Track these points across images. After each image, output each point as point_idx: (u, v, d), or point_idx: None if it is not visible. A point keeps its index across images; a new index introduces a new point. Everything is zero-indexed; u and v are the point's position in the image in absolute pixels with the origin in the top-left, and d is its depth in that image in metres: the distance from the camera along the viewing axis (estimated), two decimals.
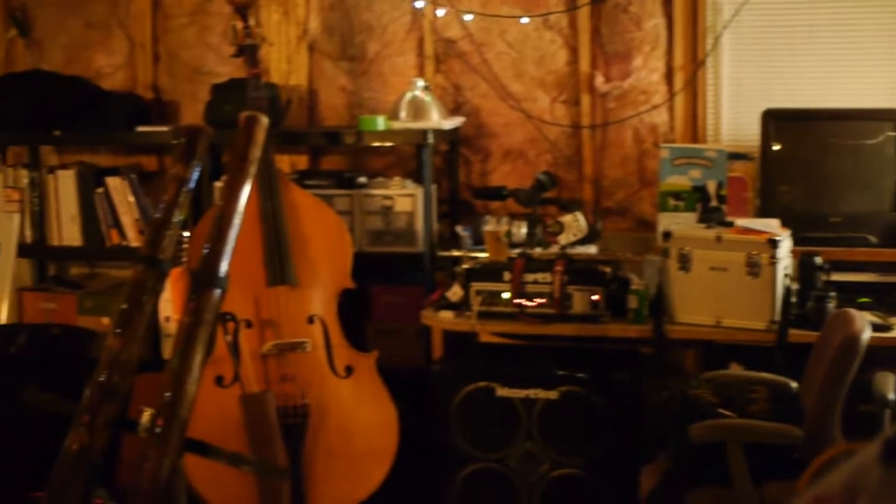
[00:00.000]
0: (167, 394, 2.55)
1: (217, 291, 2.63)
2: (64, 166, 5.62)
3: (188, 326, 2.58)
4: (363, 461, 4.33)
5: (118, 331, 2.63)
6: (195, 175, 2.79)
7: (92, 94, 5.57)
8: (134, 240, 5.34)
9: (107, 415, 2.57)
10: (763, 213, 4.71)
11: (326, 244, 4.43)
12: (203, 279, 2.64)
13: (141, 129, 5.36)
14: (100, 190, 5.40)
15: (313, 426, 4.28)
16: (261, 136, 2.81)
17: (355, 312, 4.86)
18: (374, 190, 4.97)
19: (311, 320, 4.36)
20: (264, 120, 2.83)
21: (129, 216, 5.35)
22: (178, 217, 2.75)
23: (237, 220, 2.71)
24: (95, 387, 2.60)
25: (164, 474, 2.47)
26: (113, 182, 5.38)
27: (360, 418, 4.36)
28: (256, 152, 2.78)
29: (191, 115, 5.66)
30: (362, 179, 5.04)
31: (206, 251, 2.68)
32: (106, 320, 5.37)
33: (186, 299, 2.63)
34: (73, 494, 2.51)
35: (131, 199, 5.34)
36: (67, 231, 5.49)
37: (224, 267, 2.66)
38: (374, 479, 4.35)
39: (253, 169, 2.78)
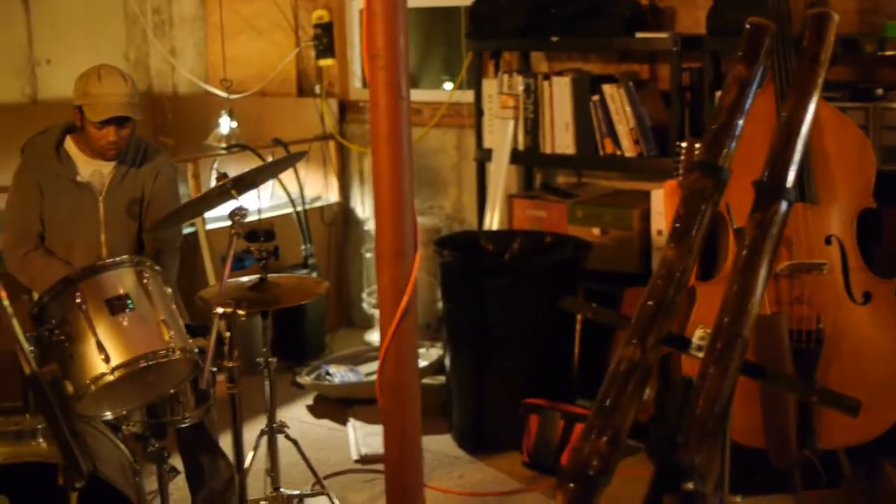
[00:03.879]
0: (726, 313, 2.36)
1: (784, 204, 2.42)
2: (558, 73, 5.55)
3: (753, 240, 2.38)
4: (879, 394, 4.00)
5: (673, 242, 2.47)
6: (758, 76, 2.56)
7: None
8: (628, 149, 5.20)
9: (660, 331, 2.42)
10: None
11: (848, 160, 4.10)
12: (768, 189, 2.43)
13: (640, 35, 5.18)
14: (595, 98, 5.28)
15: (826, 353, 3.99)
16: (832, 35, 2.56)
17: (864, 235, 4.51)
18: (893, 103, 4.57)
19: (828, 241, 4.06)
20: (835, 17, 2.57)
21: (624, 125, 5.20)
22: (739, 122, 2.54)
23: (806, 129, 2.47)
24: (648, 301, 2.46)
25: (723, 396, 2.29)
26: (609, 90, 5.25)
27: (879, 348, 4.03)
28: (828, 53, 2.53)
29: (689, 21, 5.42)
30: (879, 91, 4.64)
31: (771, 160, 2.46)
32: (596, 230, 5.29)
33: (751, 211, 2.43)
34: (622, 413, 2.38)
35: (627, 108, 5.18)
36: (560, 139, 5.43)
37: (792, 177, 2.43)
38: (890, 416, 4.02)
39: (823, 72, 2.53)
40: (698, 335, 2.42)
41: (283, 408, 5.49)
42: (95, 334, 3.20)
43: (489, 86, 5.71)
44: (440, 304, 5.51)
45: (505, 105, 5.52)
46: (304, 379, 5.78)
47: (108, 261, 3.37)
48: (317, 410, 5.58)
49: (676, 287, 2.43)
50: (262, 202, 6.35)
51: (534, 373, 4.88)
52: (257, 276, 3.91)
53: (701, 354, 2.40)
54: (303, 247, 6.38)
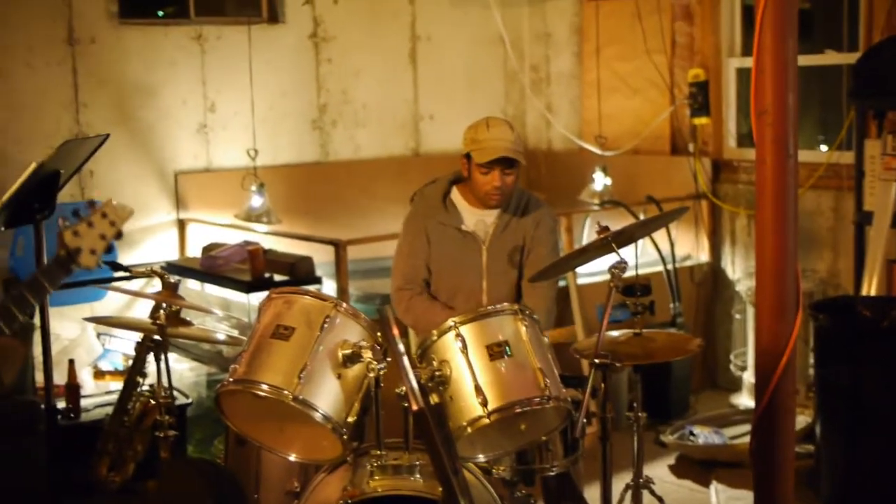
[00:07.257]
0: None
1: None
2: None
3: None
4: None
5: None
6: None
7: None
8: None
9: None
10: None
11: None
12: None
13: None
14: None
15: None
16: None
17: None
18: None
19: None
20: None
21: None
22: None
23: None
24: None
25: None
26: None
27: None
28: None
29: None
30: None
31: None
32: None
33: None
34: None
35: None
36: None
37: None
38: None
39: None
40: None
41: (644, 465, 5.47)
42: (474, 378, 3.28)
43: (871, 147, 5.53)
44: (811, 370, 5.37)
45: (888, 167, 5.33)
46: (668, 438, 5.75)
47: (490, 308, 3.46)
48: (678, 470, 5.53)
49: None
50: (638, 258, 6.39)
51: None
52: (630, 330, 3.94)
53: None
54: (672, 305, 6.37)
